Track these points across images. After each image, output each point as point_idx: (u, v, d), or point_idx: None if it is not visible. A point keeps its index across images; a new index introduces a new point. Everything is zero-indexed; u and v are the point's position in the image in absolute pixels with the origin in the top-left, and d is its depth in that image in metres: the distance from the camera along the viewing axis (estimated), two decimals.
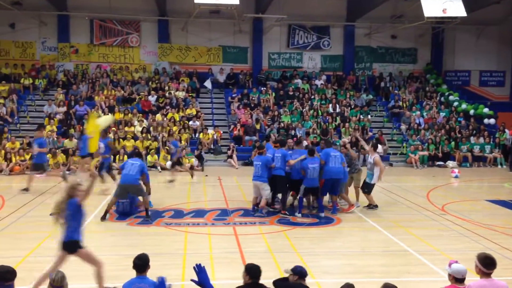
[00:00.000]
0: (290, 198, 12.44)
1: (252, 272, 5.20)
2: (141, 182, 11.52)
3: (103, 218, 11.00)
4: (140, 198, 11.71)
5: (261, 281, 5.38)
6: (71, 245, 6.65)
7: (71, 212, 6.61)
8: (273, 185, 11.66)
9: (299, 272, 5.43)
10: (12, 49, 24.67)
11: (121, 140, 19.97)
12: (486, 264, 5.05)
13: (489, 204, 13.63)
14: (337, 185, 11.72)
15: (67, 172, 17.96)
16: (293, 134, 20.94)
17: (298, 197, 11.76)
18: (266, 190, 11.38)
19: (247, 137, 21.04)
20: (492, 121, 23.83)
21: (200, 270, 4.73)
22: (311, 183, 11.48)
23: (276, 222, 11.06)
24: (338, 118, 22.94)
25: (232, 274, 7.23)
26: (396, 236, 10.14)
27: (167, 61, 25.38)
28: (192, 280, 4.77)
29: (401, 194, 14.60)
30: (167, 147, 18.78)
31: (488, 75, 27.76)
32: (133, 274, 5.39)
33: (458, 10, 20.79)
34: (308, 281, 7.57)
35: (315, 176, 11.42)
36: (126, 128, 20.76)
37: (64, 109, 21.70)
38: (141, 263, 5.36)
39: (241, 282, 5.29)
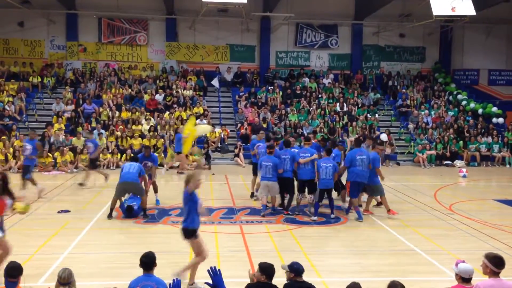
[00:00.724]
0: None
1: (267, 271, 5.21)
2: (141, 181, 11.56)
3: (110, 216, 11.05)
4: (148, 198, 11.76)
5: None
6: (186, 232, 7.06)
7: (185, 202, 7.09)
8: (282, 187, 11.56)
9: (296, 270, 5.40)
10: (21, 48, 24.83)
11: (128, 138, 20.04)
12: (496, 263, 5.03)
13: (497, 204, 13.54)
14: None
15: (75, 170, 18.09)
16: (300, 132, 20.91)
17: (314, 201, 11.28)
18: (277, 189, 11.45)
19: (254, 136, 21.03)
20: (500, 120, 23.66)
21: (214, 274, 4.74)
22: (325, 184, 11.08)
23: (283, 221, 11.06)
24: (345, 117, 22.88)
25: (238, 272, 7.23)
26: (403, 235, 10.11)
27: (174, 60, 25.43)
28: (206, 283, 4.77)
29: (408, 194, 14.54)
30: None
31: (497, 74, 27.56)
32: (140, 272, 5.41)
33: (467, 9, 20.64)
34: (314, 280, 7.59)
35: (329, 177, 11.03)
36: (134, 127, 20.82)
37: (72, 107, 21.81)
38: (148, 261, 5.37)
39: (247, 281, 5.30)
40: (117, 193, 11.18)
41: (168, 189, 14.92)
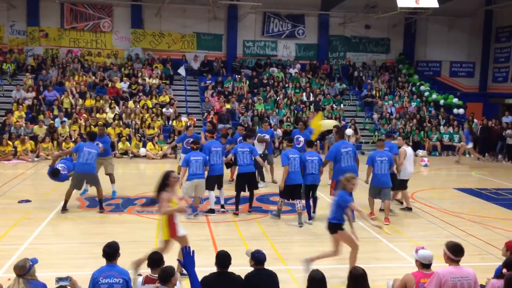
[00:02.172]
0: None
1: (218, 259, 5.27)
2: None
3: (64, 209, 10.59)
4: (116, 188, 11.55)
5: (232, 269, 5.42)
6: (331, 226, 7.24)
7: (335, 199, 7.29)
8: (246, 183, 10.81)
9: (256, 258, 5.44)
10: None
11: (92, 127, 19.63)
12: (455, 251, 5.20)
13: (457, 192, 13.96)
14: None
15: (36, 158, 17.64)
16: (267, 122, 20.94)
17: (300, 202, 10.23)
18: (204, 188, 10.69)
19: (220, 125, 20.96)
20: (461, 111, 24.31)
21: (187, 253, 4.79)
22: (312, 180, 10.24)
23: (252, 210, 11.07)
24: (311, 107, 23.07)
25: (203, 261, 7.22)
26: (366, 223, 10.30)
27: (140, 47, 25.00)
28: (178, 260, 4.81)
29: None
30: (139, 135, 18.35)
31: (458, 66, 28.26)
32: (103, 262, 5.35)
33: (431, 1, 21.03)
34: (279, 268, 7.66)
35: (316, 172, 10.23)
36: (98, 115, 20.43)
37: (33, 94, 21.20)
38: (111, 251, 5.33)
39: (212, 270, 5.32)
40: (73, 184, 10.67)
41: (126, 178, 14.76)
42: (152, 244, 8.09)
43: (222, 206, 10.99)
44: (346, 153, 10.30)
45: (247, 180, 10.70)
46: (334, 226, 7.22)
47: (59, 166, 10.84)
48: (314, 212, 10.65)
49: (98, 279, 5.14)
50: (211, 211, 10.71)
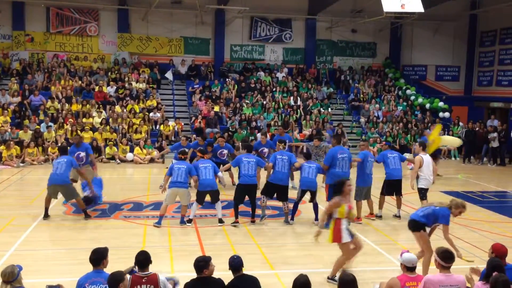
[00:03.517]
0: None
1: (195, 265, 5.35)
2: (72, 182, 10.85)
3: (45, 216, 10.42)
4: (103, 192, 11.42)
5: (220, 273, 5.42)
6: (415, 225, 7.39)
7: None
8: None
9: (230, 265, 5.47)
10: None
11: (79, 131, 19.50)
12: (445, 257, 5.25)
13: (443, 195, 14.05)
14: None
15: (21, 164, 17.46)
16: (254, 126, 21.02)
17: (287, 203, 10.54)
18: (188, 197, 10.53)
19: (208, 129, 20.95)
20: (447, 114, 24.55)
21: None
22: (307, 185, 10.35)
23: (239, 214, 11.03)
24: (299, 111, 23.14)
25: (191, 267, 7.21)
26: (354, 226, 10.34)
27: (127, 52, 24.89)
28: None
29: None
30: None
31: (443, 70, 28.55)
32: (90, 268, 5.32)
33: (416, 6, 21.24)
34: (267, 272, 7.68)
35: (312, 177, 10.35)
36: (84, 120, 20.29)
37: (19, 99, 20.99)
38: (97, 257, 5.30)
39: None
40: (49, 192, 10.47)
41: (113, 183, 14.68)
42: (139, 249, 8.03)
43: (220, 221, 10.39)
44: (342, 158, 10.36)
45: (248, 192, 10.43)
46: (420, 226, 7.33)
47: (86, 193, 10.79)
48: (316, 219, 10.35)
49: (84, 285, 5.11)
50: (190, 221, 10.34)
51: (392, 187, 11.33)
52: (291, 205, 10.64)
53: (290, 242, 9.53)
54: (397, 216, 11.35)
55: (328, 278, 7.31)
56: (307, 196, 10.64)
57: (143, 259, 5.37)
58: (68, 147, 11.99)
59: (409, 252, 5.47)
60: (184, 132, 21.32)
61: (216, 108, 22.31)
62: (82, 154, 11.61)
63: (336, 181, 7.79)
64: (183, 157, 10.78)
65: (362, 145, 11.77)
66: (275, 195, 10.57)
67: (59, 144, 12.04)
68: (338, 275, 6.98)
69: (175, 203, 10.73)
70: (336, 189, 7.41)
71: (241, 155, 10.67)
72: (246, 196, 10.48)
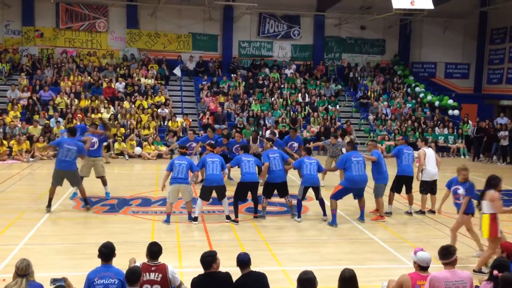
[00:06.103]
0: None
1: (202, 260, 5.39)
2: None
3: (48, 207, 10.54)
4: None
5: (228, 270, 5.44)
6: None
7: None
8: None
9: (237, 261, 5.49)
10: None
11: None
12: (443, 254, 5.23)
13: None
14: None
15: (31, 159, 17.57)
16: (262, 123, 21.03)
17: (291, 202, 10.66)
18: (191, 193, 10.56)
19: (216, 126, 20.97)
20: (456, 112, 24.39)
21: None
22: (310, 181, 10.37)
23: (244, 210, 11.05)
24: (307, 108, 23.10)
25: (199, 263, 7.24)
26: (361, 224, 10.35)
27: (135, 48, 24.96)
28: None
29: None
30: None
31: (453, 67, 28.36)
32: (98, 262, 5.35)
33: (426, 3, 21.09)
34: (274, 268, 7.69)
35: (314, 173, 10.38)
36: (93, 115, 20.39)
37: (28, 94, 21.13)
38: (107, 252, 5.32)
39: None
40: (53, 181, 10.60)
41: (122, 179, 14.75)
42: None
43: (228, 217, 10.31)
44: (357, 162, 10.32)
45: (251, 189, 10.41)
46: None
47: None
48: (325, 215, 10.49)
49: (94, 280, 5.13)
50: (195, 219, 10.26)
51: (403, 183, 11.34)
52: (294, 201, 10.67)
53: (298, 239, 9.53)
54: (409, 213, 11.33)
55: (474, 270, 7.47)
56: (311, 193, 10.67)
57: (157, 249, 5.54)
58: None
59: (423, 250, 5.39)
60: (192, 128, 21.37)
61: (221, 99, 22.30)
62: (95, 139, 11.74)
63: (492, 176, 7.88)
64: (182, 151, 10.53)
65: (370, 144, 11.76)
66: (275, 191, 10.63)
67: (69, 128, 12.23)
68: (483, 268, 7.47)
69: (181, 199, 10.73)
70: (493, 183, 7.65)
71: (240, 155, 10.68)
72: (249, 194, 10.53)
